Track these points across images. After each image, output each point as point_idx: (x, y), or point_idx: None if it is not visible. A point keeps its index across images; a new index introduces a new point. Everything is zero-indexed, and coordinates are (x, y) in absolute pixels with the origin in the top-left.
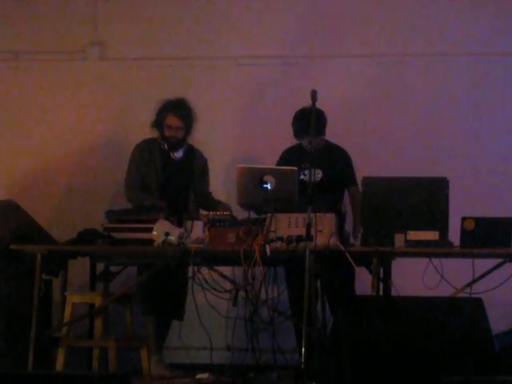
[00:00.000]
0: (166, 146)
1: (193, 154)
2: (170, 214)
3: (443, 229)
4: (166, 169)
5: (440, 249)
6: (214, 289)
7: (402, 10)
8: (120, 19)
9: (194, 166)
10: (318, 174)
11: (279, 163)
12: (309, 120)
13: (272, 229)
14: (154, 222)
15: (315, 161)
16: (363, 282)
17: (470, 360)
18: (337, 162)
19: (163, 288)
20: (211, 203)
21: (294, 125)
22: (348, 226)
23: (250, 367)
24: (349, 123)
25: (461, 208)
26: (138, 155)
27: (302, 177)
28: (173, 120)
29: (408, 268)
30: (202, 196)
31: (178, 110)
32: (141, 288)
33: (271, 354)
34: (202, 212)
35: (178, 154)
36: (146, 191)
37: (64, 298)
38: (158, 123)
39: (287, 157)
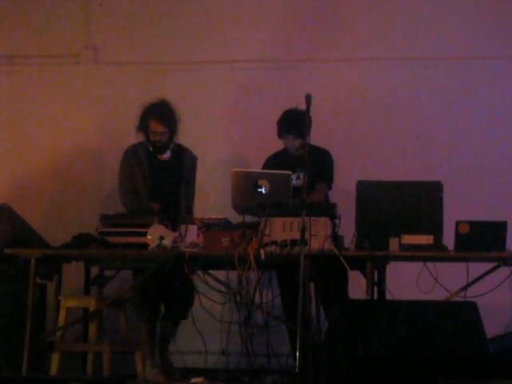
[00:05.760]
0: (152, 149)
1: (181, 152)
2: (164, 217)
3: (437, 233)
4: (154, 171)
5: (434, 253)
6: (215, 289)
7: (394, 14)
8: (114, 24)
9: (184, 165)
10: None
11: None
12: (293, 120)
13: (266, 233)
14: (148, 226)
15: (308, 164)
16: (358, 286)
17: (464, 364)
18: (319, 163)
19: (162, 291)
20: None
21: (278, 124)
22: (342, 230)
23: (244, 371)
24: (341, 127)
25: (455, 212)
26: (126, 161)
27: None
28: (156, 126)
29: (402, 272)
30: (185, 209)
31: (161, 115)
32: (136, 293)
33: (266, 358)
34: (196, 216)
35: (166, 155)
36: (140, 197)
37: (58, 302)
38: (143, 128)
39: (270, 163)
